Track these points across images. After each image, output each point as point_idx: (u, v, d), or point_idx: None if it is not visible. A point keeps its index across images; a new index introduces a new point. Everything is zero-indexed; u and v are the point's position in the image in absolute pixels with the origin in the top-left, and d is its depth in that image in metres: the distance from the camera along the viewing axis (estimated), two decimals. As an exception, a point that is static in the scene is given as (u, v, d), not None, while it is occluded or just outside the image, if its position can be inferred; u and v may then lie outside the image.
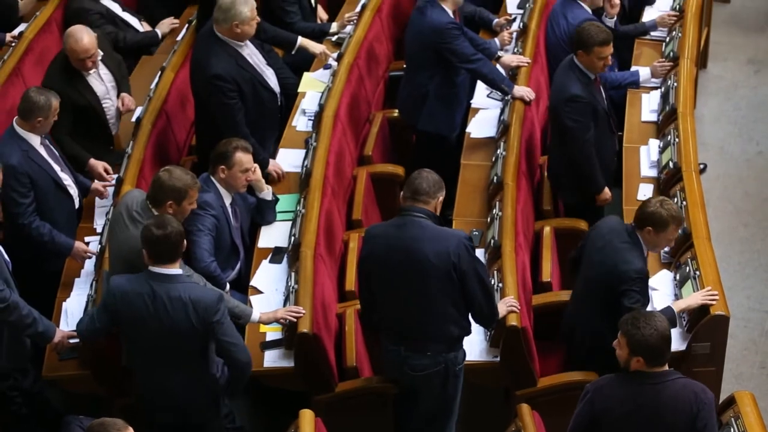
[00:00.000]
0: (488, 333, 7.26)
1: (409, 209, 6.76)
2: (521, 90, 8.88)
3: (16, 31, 9.64)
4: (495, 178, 8.27)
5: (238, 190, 7.73)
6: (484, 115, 9.12)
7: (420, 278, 6.71)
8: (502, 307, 7.10)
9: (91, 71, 8.36)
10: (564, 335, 7.42)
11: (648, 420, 5.89)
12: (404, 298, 6.82)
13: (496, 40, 9.60)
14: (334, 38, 9.93)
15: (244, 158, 7.62)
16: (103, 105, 8.47)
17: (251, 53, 8.35)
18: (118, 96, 8.62)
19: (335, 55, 9.49)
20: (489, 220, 7.99)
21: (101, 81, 8.48)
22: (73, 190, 7.95)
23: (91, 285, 7.55)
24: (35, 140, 7.70)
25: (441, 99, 8.89)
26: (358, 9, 10.05)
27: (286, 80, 9.10)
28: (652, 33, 9.93)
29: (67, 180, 7.89)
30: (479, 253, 7.74)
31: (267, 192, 8.05)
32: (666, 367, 5.91)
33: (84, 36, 8.22)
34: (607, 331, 6.45)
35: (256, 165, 7.80)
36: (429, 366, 6.92)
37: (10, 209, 7.67)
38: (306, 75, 9.55)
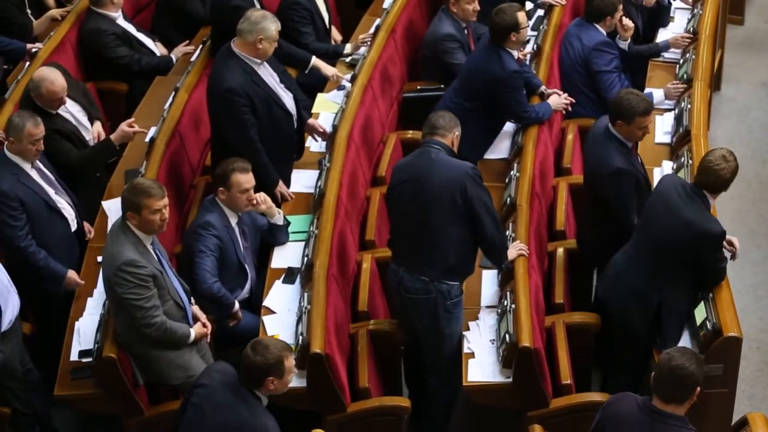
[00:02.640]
0: (500, 354, 7.26)
1: (427, 142, 7.35)
2: (556, 100, 9.08)
3: (33, 48, 9.65)
4: (508, 199, 8.27)
5: (241, 210, 7.74)
6: (498, 137, 9.11)
7: (424, 204, 7.22)
8: (513, 251, 7.49)
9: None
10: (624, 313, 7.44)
11: None
12: (408, 222, 7.35)
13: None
14: (348, 59, 9.95)
15: (242, 179, 7.64)
16: (82, 133, 8.51)
17: (267, 73, 8.31)
18: (91, 123, 8.68)
19: (349, 76, 9.51)
20: (502, 241, 7.99)
21: (69, 112, 8.47)
22: (69, 213, 7.93)
23: (104, 304, 7.53)
24: (25, 164, 7.71)
25: (479, 127, 8.84)
26: (372, 30, 10.05)
27: (300, 101, 9.10)
28: (666, 55, 9.91)
29: (61, 202, 7.88)
30: (492, 273, 7.79)
31: (278, 217, 8.05)
32: (683, 412, 5.85)
33: (57, 76, 8.21)
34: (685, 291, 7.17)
35: (263, 194, 7.82)
36: (420, 291, 7.35)
37: (3, 232, 7.68)
38: (320, 96, 9.57)
